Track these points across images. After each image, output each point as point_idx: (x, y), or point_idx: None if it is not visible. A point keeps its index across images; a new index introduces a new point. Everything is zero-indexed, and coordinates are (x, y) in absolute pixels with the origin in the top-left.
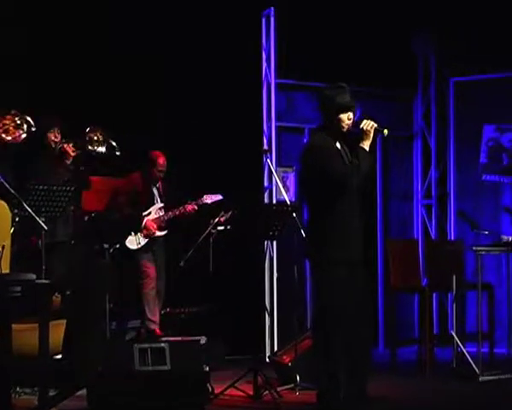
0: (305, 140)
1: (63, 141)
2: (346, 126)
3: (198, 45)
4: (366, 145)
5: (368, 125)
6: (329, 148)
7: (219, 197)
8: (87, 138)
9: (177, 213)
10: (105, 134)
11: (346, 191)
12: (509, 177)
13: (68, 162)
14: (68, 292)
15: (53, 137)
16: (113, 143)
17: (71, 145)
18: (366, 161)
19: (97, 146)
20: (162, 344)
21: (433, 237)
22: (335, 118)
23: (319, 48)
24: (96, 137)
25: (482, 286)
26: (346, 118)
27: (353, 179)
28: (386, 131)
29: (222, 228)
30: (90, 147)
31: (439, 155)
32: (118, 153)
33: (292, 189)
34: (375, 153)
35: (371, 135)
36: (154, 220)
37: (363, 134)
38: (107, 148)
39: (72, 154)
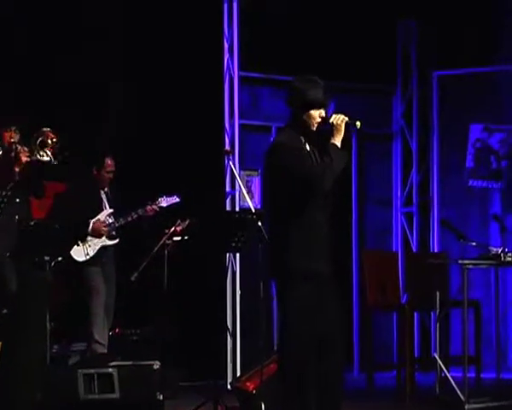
0: (271, 140)
1: (17, 144)
2: (316, 124)
3: (153, 31)
4: (337, 141)
5: (337, 118)
6: (297, 147)
7: (176, 199)
8: (38, 143)
9: (130, 219)
10: (56, 138)
11: (315, 195)
12: (498, 182)
13: (17, 169)
14: (3, 311)
15: (8, 138)
16: (62, 149)
17: (25, 149)
18: (339, 158)
19: (47, 152)
20: (110, 369)
21: (414, 248)
22: (305, 114)
23: (288, 38)
24: (48, 141)
25: (468, 304)
26: (318, 115)
27: (325, 181)
28: (358, 124)
29: (178, 238)
30: (40, 152)
31: (421, 158)
32: (65, 155)
33: (257, 194)
34: (350, 152)
35: (342, 129)
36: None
37: (333, 130)
38: (56, 153)
39: (24, 159)
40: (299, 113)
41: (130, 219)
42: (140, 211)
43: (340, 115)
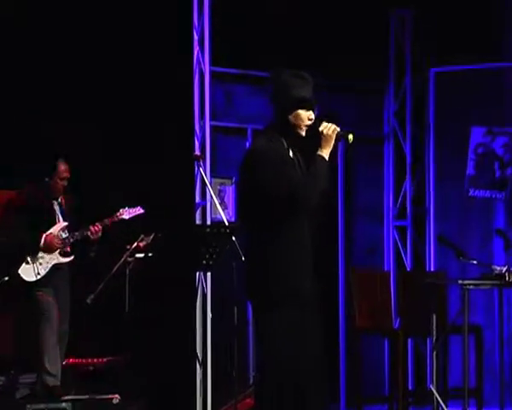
0: (247, 144)
1: None
2: (305, 128)
3: (113, 19)
4: (326, 153)
5: (329, 128)
6: (280, 153)
7: (140, 211)
8: None
9: (86, 233)
10: None
11: (299, 210)
12: (502, 192)
13: None
14: None
15: None
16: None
17: None
18: (325, 175)
19: None
20: (63, 404)
21: (407, 267)
22: (291, 115)
23: (267, 28)
24: None
25: (469, 329)
26: (307, 117)
27: (311, 198)
28: (351, 137)
29: (141, 255)
30: None
31: (416, 164)
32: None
33: (231, 205)
34: (336, 161)
35: (333, 141)
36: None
37: (322, 139)
38: None
39: None
40: (284, 112)
41: (86, 233)
42: (107, 220)
43: (331, 125)
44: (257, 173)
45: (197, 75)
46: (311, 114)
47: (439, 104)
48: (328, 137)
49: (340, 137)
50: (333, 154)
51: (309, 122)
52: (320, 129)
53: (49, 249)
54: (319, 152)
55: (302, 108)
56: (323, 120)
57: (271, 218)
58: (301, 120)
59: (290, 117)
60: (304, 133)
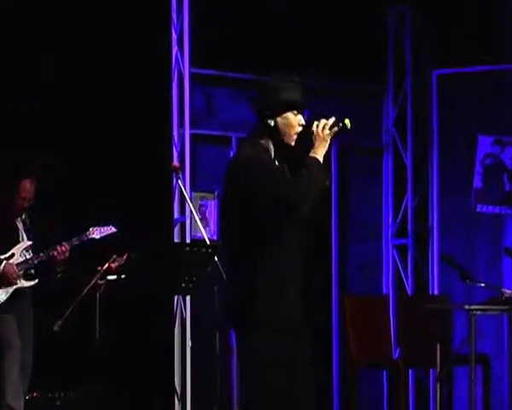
0: (231, 154)
1: None
2: (295, 135)
3: (80, 15)
4: (320, 155)
5: (321, 126)
6: (268, 161)
7: (112, 229)
8: None
9: (52, 254)
10: None
11: (289, 221)
12: None
13: None
14: None
15: None
16: None
17: None
18: (319, 177)
19: None
20: None
21: (408, 290)
22: (280, 120)
23: (252, 26)
24: None
25: (476, 359)
26: (297, 122)
27: (303, 202)
28: (348, 122)
29: (113, 278)
30: None
31: (418, 176)
32: None
33: (213, 222)
34: (329, 171)
35: (328, 140)
36: (19, 265)
37: (314, 140)
38: None
39: None
40: (270, 117)
41: (52, 254)
42: (75, 239)
43: (323, 121)
44: (242, 184)
45: (176, 77)
46: (301, 119)
47: (443, 110)
48: (321, 135)
49: (337, 130)
50: (326, 157)
51: (299, 129)
52: (313, 129)
53: (4, 282)
54: (312, 153)
55: (292, 112)
56: (313, 119)
57: (258, 235)
58: (291, 126)
59: (278, 122)
60: (293, 143)
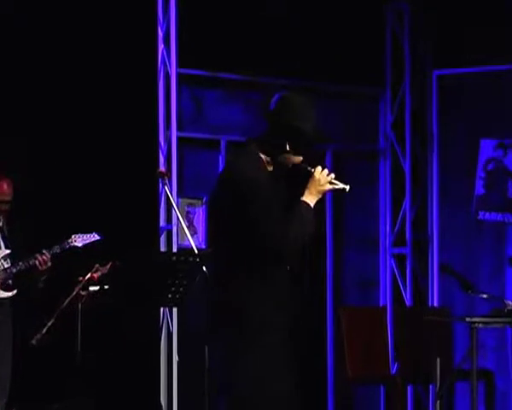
0: (220, 158)
1: None
2: (292, 165)
3: (63, 13)
4: (312, 201)
5: (323, 175)
6: (269, 186)
7: (95, 237)
8: None
9: (31, 264)
10: None
11: (279, 259)
12: None
13: None
14: None
15: None
16: None
17: None
18: (308, 226)
19: None
20: None
21: (407, 302)
22: (285, 151)
23: (243, 24)
24: None
25: (478, 374)
26: (298, 160)
27: (291, 252)
28: (348, 189)
29: (96, 288)
30: None
31: (417, 183)
32: None
33: (201, 230)
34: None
35: (324, 191)
36: None
37: (312, 185)
38: None
39: None
40: (288, 146)
41: (31, 263)
42: (56, 248)
43: (325, 172)
44: (240, 207)
45: (162, 78)
46: (301, 159)
47: (444, 113)
48: (320, 186)
49: (334, 189)
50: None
51: (299, 159)
52: (315, 175)
53: None
54: (306, 199)
55: (297, 153)
56: (316, 164)
57: (247, 253)
58: (290, 160)
59: (284, 149)
60: (289, 166)
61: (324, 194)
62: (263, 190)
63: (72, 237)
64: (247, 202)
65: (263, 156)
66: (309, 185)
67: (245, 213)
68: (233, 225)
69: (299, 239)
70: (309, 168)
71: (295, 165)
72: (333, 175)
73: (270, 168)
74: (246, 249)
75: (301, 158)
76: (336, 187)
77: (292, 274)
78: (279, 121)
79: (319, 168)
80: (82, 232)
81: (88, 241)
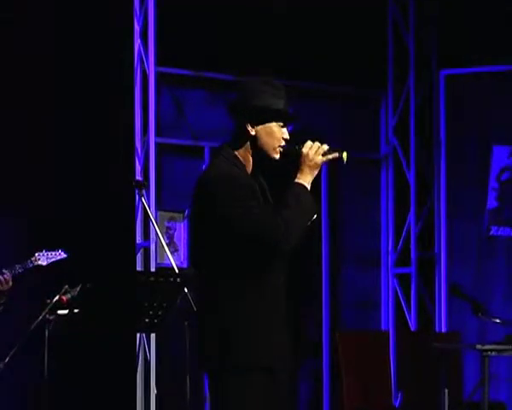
0: (204, 167)
1: None
2: (278, 149)
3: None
4: (308, 181)
5: (313, 149)
6: (247, 181)
7: (61, 255)
8: None
9: None
10: None
11: (271, 258)
12: None
13: None
14: None
15: None
16: None
17: None
18: (307, 208)
19: None
20: None
21: (411, 326)
22: (260, 131)
23: (230, 19)
24: None
25: (490, 407)
26: (281, 135)
27: (287, 240)
28: (345, 156)
29: (65, 312)
30: None
31: (423, 195)
32: None
33: (183, 247)
34: (319, 191)
35: (318, 167)
36: None
37: (303, 163)
38: None
39: None
40: (250, 126)
41: None
42: (18, 267)
43: (316, 144)
44: (218, 206)
45: (139, 77)
46: (286, 134)
47: (452, 117)
48: (313, 161)
49: (331, 159)
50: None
51: (283, 143)
52: (303, 150)
53: None
54: (298, 179)
55: (276, 122)
56: (304, 139)
57: (235, 263)
58: (275, 137)
59: (260, 132)
60: (277, 156)
61: (320, 168)
62: (241, 181)
63: (36, 254)
64: (223, 197)
65: (240, 153)
66: (300, 165)
67: (223, 210)
68: (213, 228)
69: (298, 223)
70: (296, 147)
71: (283, 154)
72: (326, 146)
73: (249, 168)
74: (233, 257)
75: (284, 133)
76: (330, 157)
77: (285, 287)
78: (237, 109)
79: (308, 143)
80: (47, 249)
81: (53, 259)
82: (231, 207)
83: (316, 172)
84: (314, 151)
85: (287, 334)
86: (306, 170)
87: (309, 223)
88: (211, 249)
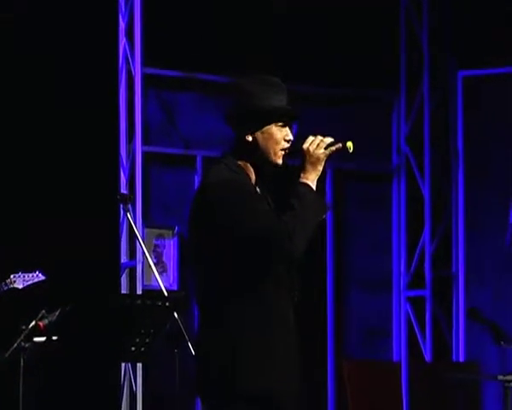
0: (196, 179)
1: None
2: (281, 153)
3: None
4: (312, 180)
5: (314, 143)
6: (249, 185)
7: (39, 277)
8: None
9: None
10: None
11: (278, 266)
12: None
13: None
14: None
15: None
16: None
17: None
18: (314, 209)
19: None
20: None
21: (426, 356)
22: (261, 135)
23: (224, 16)
24: None
25: None
26: (282, 137)
27: (294, 244)
28: (350, 145)
29: (42, 340)
30: None
31: (438, 210)
32: None
33: (172, 267)
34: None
35: (323, 161)
36: None
37: (305, 161)
38: None
39: None
40: (248, 132)
41: None
42: None
43: (318, 138)
44: (214, 217)
45: (124, 79)
46: (289, 134)
47: (471, 123)
48: (315, 156)
49: (334, 151)
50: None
51: (285, 144)
52: (304, 146)
53: None
54: (302, 179)
55: (275, 123)
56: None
57: (237, 284)
58: (275, 142)
59: (259, 138)
60: (280, 161)
61: (324, 163)
62: (243, 189)
63: (12, 276)
64: (227, 203)
65: (240, 163)
66: (302, 162)
67: (224, 217)
68: (213, 239)
69: (304, 226)
70: (298, 146)
71: (286, 156)
72: (328, 139)
73: (253, 177)
74: (234, 272)
75: (286, 134)
76: (333, 148)
77: (293, 303)
78: (231, 117)
79: (309, 138)
80: (23, 271)
81: (30, 282)
82: (233, 209)
83: (320, 168)
84: (315, 145)
85: (295, 361)
86: (309, 167)
87: (317, 222)
88: (210, 265)
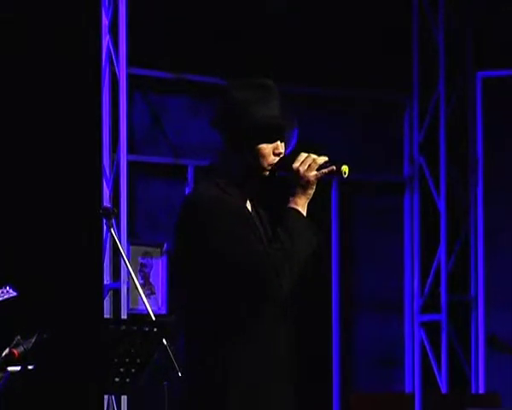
0: (187, 191)
1: None
2: (270, 168)
3: None
4: (302, 205)
5: (306, 163)
6: (237, 206)
7: (10, 294)
8: None
9: None
10: None
11: (265, 302)
12: None
13: None
14: None
15: None
16: None
17: None
18: (304, 240)
19: None
20: None
21: (442, 387)
22: (249, 149)
23: (218, 12)
24: None
25: None
26: (271, 151)
27: (282, 283)
28: (345, 170)
29: (17, 369)
30: None
31: (455, 224)
32: None
33: (160, 289)
34: (324, 219)
35: (313, 185)
36: None
37: (295, 182)
38: None
39: None
40: (237, 146)
41: None
42: None
43: (310, 156)
44: (205, 237)
45: (107, 81)
46: (279, 147)
47: (492, 129)
48: (305, 179)
49: (329, 174)
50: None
51: (274, 158)
52: (294, 166)
53: None
54: (291, 204)
55: (264, 139)
56: (298, 151)
57: (225, 313)
58: (263, 156)
59: (247, 154)
60: (267, 173)
61: (316, 185)
62: (233, 212)
63: None
64: (211, 224)
65: (227, 179)
66: (293, 184)
67: (210, 241)
68: (201, 264)
69: (291, 262)
70: (288, 164)
71: (277, 168)
72: (322, 159)
73: (243, 194)
74: (221, 296)
75: (276, 147)
76: (326, 171)
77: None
78: (217, 129)
79: (301, 156)
80: None
81: (0, 298)
82: (223, 231)
83: (311, 192)
84: (306, 166)
85: (289, 393)
86: (299, 190)
87: (308, 252)
88: (195, 291)
